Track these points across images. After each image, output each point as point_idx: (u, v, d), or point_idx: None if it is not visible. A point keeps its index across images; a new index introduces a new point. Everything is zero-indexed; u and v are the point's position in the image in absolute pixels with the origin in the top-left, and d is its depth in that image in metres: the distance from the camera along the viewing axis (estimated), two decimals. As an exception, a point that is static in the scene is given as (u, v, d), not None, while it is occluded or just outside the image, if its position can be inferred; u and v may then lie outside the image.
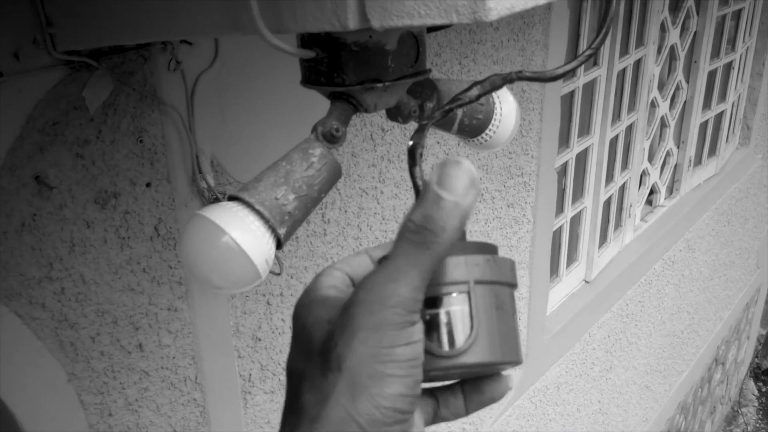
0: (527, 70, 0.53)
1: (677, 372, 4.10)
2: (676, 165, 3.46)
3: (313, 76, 0.77)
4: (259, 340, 1.51)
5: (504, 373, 0.46)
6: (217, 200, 1.26)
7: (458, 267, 0.42)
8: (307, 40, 0.75)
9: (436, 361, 0.41)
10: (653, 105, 3.06)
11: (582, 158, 2.70)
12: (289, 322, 1.53)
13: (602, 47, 2.51)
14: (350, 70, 0.74)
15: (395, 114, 0.88)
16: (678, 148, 3.43)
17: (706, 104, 3.50)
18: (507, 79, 0.49)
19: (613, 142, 2.83)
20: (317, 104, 0.84)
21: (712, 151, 3.75)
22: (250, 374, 1.52)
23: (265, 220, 0.73)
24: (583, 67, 2.44)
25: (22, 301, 1.10)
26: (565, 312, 2.77)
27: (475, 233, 2.10)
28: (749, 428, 5.68)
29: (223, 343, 1.43)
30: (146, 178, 1.19)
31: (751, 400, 5.93)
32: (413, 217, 0.38)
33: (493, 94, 1.00)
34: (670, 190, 3.51)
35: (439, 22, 0.58)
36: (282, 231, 0.74)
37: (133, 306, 1.25)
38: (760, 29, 3.81)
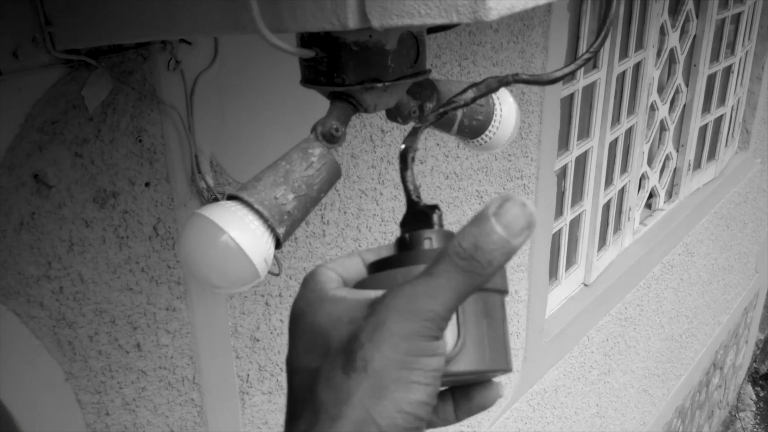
0: (524, 72, 0.53)
1: (675, 376, 4.09)
2: (675, 169, 3.47)
3: (312, 75, 0.77)
4: (258, 340, 1.51)
5: (495, 380, 0.46)
6: (216, 200, 1.26)
7: None
8: (306, 40, 0.75)
9: None
10: (653, 108, 3.06)
11: (581, 161, 2.70)
12: (288, 323, 1.52)
13: (602, 50, 2.51)
14: (350, 70, 0.74)
15: (395, 114, 0.88)
16: (677, 151, 3.43)
17: (706, 108, 3.50)
18: (503, 82, 0.49)
19: (613, 145, 2.83)
20: (317, 104, 0.84)
21: (712, 154, 3.75)
22: (248, 375, 1.52)
23: (264, 220, 0.73)
24: (582, 69, 2.44)
25: (21, 300, 1.10)
26: (563, 315, 2.77)
27: (474, 235, 2.10)
28: (747, 432, 5.68)
29: (221, 344, 1.43)
30: (145, 177, 1.19)
31: (749, 404, 5.92)
32: (464, 242, 0.38)
33: (493, 95, 1.00)
34: (670, 194, 3.51)
35: (439, 21, 0.58)
36: (281, 230, 0.74)
37: (132, 305, 1.25)
38: (759, 33, 3.81)
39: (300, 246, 1.52)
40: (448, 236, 0.45)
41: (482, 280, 0.39)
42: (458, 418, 0.46)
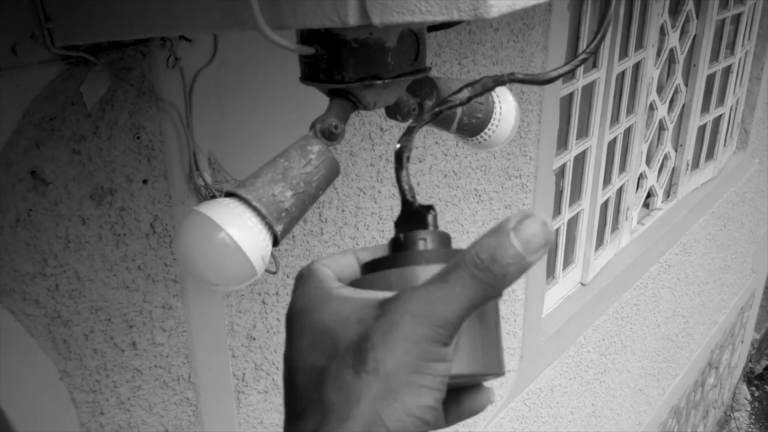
0: (520, 72, 0.52)
1: (671, 375, 4.10)
2: (673, 168, 3.47)
3: (312, 72, 0.77)
4: (254, 339, 1.50)
5: (486, 384, 0.46)
6: (214, 198, 1.25)
7: None
8: (306, 37, 0.75)
9: None
10: (652, 108, 3.06)
11: (580, 160, 2.70)
12: (285, 320, 1.52)
13: (602, 49, 2.51)
14: (350, 67, 0.74)
15: (394, 112, 0.87)
16: (676, 151, 3.43)
17: (705, 108, 3.50)
18: (499, 81, 0.49)
19: (611, 144, 2.83)
20: (316, 101, 0.84)
21: (710, 154, 3.75)
22: (244, 374, 1.52)
23: (262, 217, 0.72)
24: (582, 69, 2.44)
25: (16, 298, 1.09)
26: (560, 314, 2.77)
27: (471, 234, 2.10)
28: (742, 432, 5.69)
29: (217, 342, 1.42)
30: (143, 174, 1.19)
31: (744, 404, 5.94)
32: (481, 253, 0.39)
33: (493, 93, 1.00)
34: (668, 194, 3.52)
35: (440, 18, 0.58)
36: (279, 228, 0.73)
37: (128, 303, 1.24)
38: (759, 33, 3.81)
39: (297, 244, 1.51)
40: (443, 237, 0.45)
41: (495, 292, 0.39)
42: (448, 423, 0.46)
